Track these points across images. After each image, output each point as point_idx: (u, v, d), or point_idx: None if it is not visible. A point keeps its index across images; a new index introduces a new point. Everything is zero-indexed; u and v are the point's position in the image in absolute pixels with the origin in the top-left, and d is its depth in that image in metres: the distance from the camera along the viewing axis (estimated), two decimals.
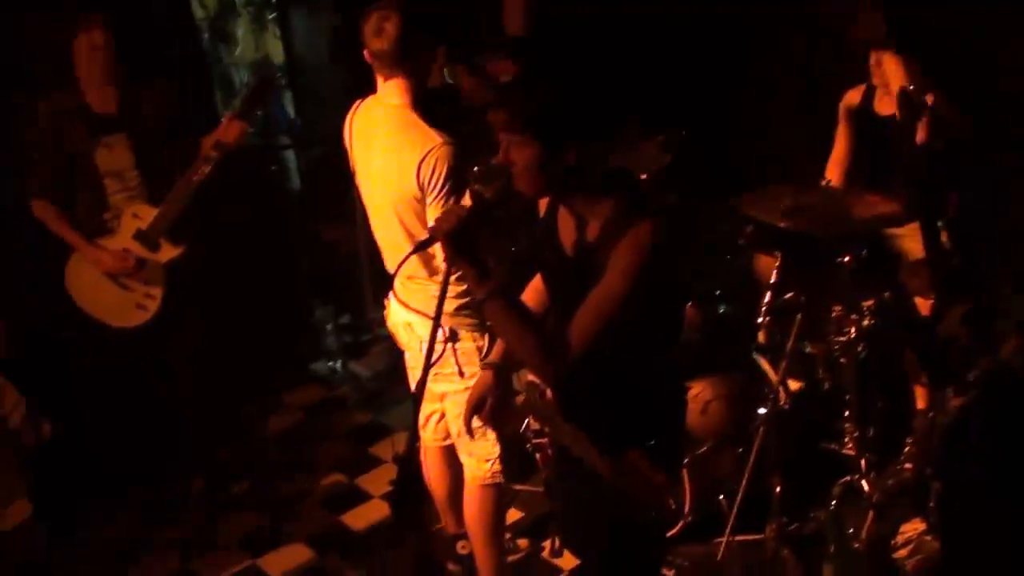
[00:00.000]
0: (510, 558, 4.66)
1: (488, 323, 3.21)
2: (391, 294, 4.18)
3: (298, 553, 5.08)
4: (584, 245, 2.96)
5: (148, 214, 4.77)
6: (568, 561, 4.72)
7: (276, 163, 7.05)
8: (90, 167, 4.72)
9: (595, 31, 5.94)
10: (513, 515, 4.98)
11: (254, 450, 5.59)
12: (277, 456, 5.83)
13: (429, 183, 3.68)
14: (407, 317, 4.10)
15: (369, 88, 3.90)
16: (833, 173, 5.06)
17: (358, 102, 4.01)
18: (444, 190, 3.68)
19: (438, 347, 3.91)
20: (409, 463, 2.98)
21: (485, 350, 4.00)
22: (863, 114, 5.03)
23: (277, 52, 7.11)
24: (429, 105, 3.83)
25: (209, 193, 4.77)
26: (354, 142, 4.02)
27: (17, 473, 3.67)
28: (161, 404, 5.26)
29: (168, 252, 4.82)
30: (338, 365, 6.73)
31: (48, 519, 3.82)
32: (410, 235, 3.88)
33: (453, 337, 3.97)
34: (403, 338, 4.21)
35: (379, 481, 5.54)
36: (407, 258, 3.18)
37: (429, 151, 3.67)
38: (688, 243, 3.08)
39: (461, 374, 4.03)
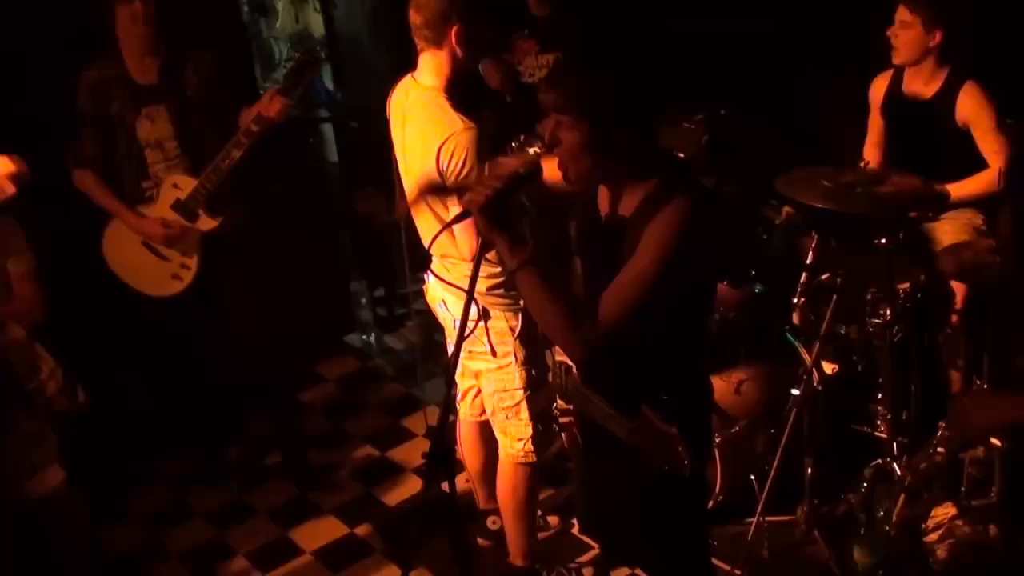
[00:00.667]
0: (540, 535, 4.68)
1: (520, 294, 3.21)
2: (429, 271, 4.19)
3: (330, 526, 5.11)
4: (619, 218, 2.97)
5: (188, 184, 4.77)
6: None
7: (314, 136, 7.08)
8: (131, 136, 4.74)
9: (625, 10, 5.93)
10: (544, 492, 5.00)
11: (287, 421, 5.60)
12: (311, 428, 5.87)
13: (449, 167, 3.68)
14: (442, 294, 4.13)
15: (409, 63, 3.90)
16: (871, 156, 5.05)
17: (401, 79, 3.99)
18: (464, 175, 3.67)
19: (470, 324, 3.95)
20: (441, 436, 3.02)
21: (518, 330, 4.03)
22: (893, 98, 5.00)
23: (317, 25, 7.13)
24: (459, 86, 3.82)
25: (248, 165, 4.76)
26: (392, 119, 4.02)
27: (49, 440, 3.70)
28: (197, 373, 5.31)
29: (206, 223, 4.83)
30: (372, 338, 6.77)
31: (83, 486, 3.85)
32: (435, 215, 3.90)
33: (485, 316, 3.99)
34: (440, 315, 4.24)
35: (412, 454, 5.57)
36: (438, 235, 3.21)
37: (450, 135, 3.66)
38: (724, 223, 3.06)
39: (494, 353, 4.05)
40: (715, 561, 4.22)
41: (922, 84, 4.84)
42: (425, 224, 4.02)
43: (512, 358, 4.06)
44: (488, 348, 4.04)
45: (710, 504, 4.45)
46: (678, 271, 2.79)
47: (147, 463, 5.54)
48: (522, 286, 2.92)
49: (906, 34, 4.72)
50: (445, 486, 3.01)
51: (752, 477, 4.51)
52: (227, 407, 5.52)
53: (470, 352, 4.08)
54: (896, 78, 4.98)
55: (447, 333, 4.33)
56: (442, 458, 2.97)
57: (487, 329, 4.01)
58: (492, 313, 4.00)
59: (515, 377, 4.09)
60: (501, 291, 3.96)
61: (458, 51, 3.73)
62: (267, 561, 4.92)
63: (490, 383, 4.14)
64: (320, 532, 5.07)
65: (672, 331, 2.99)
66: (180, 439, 5.56)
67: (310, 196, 6.46)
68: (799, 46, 5.95)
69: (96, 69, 4.71)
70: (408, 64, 3.91)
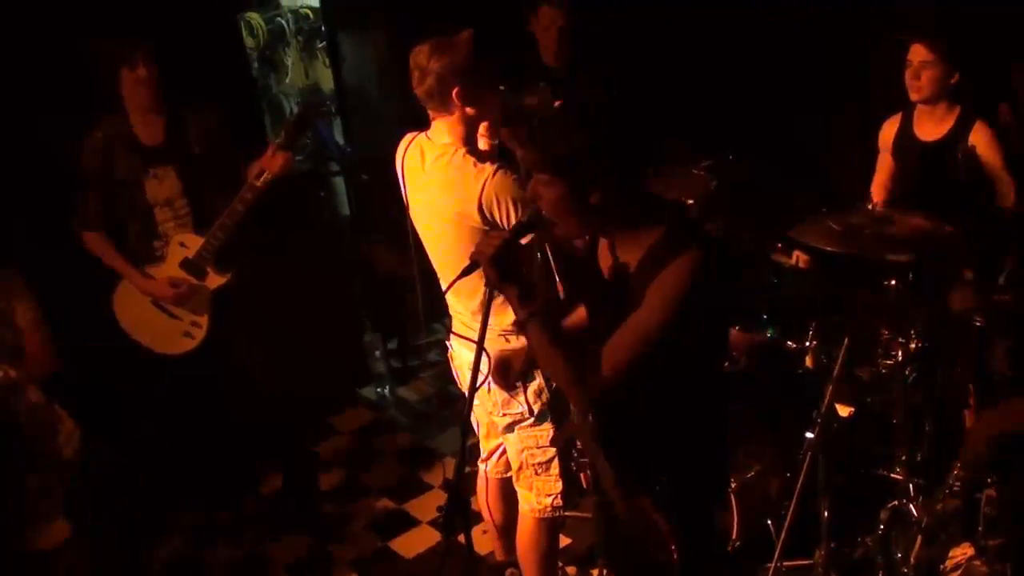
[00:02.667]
0: None
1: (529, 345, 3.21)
2: (451, 336, 4.16)
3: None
4: (622, 271, 2.97)
5: (194, 243, 4.81)
6: None
7: (326, 189, 7.11)
8: (139, 196, 4.76)
9: (637, 60, 5.97)
10: (562, 541, 4.98)
11: (301, 473, 5.60)
12: (325, 480, 5.85)
13: (498, 215, 3.64)
14: (470, 357, 4.09)
15: (420, 115, 3.91)
16: (878, 196, 5.06)
17: (410, 135, 3.98)
18: (517, 215, 3.60)
19: (481, 375, 3.93)
20: (458, 488, 3.02)
21: (554, 387, 3.99)
22: (904, 140, 5.01)
23: (326, 79, 7.17)
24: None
25: (257, 220, 4.80)
26: (406, 177, 4.00)
27: (57, 493, 3.71)
28: (212, 427, 5.30)
29: (215, 280, 4.86)
30: (387, 390, 6.76)
31: (93, 537, 3.86)
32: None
33: (524, 377, 3.95)
34: (467, 379, 4.20)
35: (427, 506, 5.55)
36: (452, 284, 3.23)
37: (485, 184, 3.63)
38: (733, 275, 3.06)
39: (531, 412, 4.02)
40: None
41: (933, 125, 4.87)
42: (453, 271, 3.99)
43: (548, 415, 4.04)
44: (526, 407, 4.01)
45: (728, 549, 4.43)
46: (684, 328, 2.79)
47: (161, 514, 5.52)
48: (531, 337, 2.93)
49: (929, 72, 4.75)
50: (461, 538, 3.02)
51: (769, 522, 4.50)
52: (242, 459, 5.50)
53: (504, 413, 4.06)
54: (906, 120, 5.01)
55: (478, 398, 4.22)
56: (459, 510, 2.99)
57: (524, 389, 3.98)
58: (532, 372, 3.96)
59: (548, 433, 4.07)
60: None
61: (467, 110, 3.72)
62: None
63: (521, 440, 4.11)
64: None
65: (680, 385, 2.98)
66: (195, 491, 5.55)
67: (322, 249, 6.48)
68: (800, 90, 6.00)
69: (101, 130, 4.72)
70: (416, 115, 3.92)
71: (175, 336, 4.93)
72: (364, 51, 6.89)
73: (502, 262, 2.86)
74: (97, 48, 4.55)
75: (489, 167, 3.67)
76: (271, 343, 5.11)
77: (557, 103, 5.32)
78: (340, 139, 7.20)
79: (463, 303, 4.00)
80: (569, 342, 2.92)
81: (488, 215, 3.66)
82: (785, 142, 6.00)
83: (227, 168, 4.86)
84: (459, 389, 4.46)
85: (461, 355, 4.18)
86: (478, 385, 3.06)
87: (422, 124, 3.90)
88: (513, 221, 3.59)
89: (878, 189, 5.14)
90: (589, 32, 5.88)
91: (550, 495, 4.17)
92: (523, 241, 3.05)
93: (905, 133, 5.01)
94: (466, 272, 3.04)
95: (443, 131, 3.80)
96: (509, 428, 4.13)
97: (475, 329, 3.96)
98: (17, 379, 3.62)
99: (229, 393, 5.14)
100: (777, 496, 4.55)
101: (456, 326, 4.10)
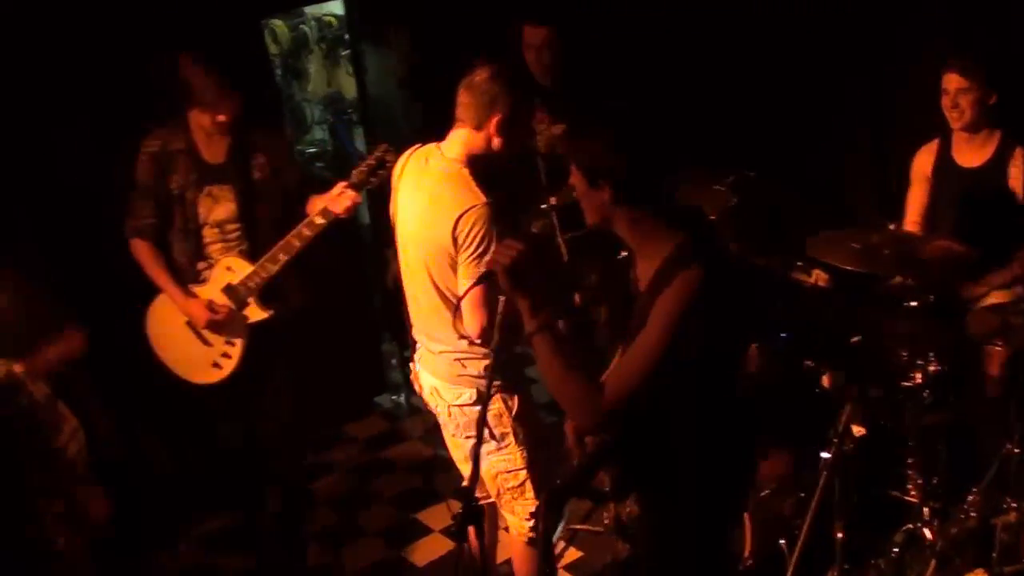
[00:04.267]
0: None
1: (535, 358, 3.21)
2: (414, 360, 4.20)
3: None
4: (638, 287, 2.99)
5: (242, 269, 4.58)
6: None
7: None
8: (190, 214, 4.56)
9: (633, 74, 5.98)
10: (574, 555, 5.00)
11: (316, 481, 5.61)
12: (337, 487, 5.87)
13: (464, 241, 3.68)
14: (432, 382, 4.10)
15: (441, 125, 3.92)
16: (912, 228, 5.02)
17: (416, 147, 4.01)
18: (478, 249, 3.67)
19: (468, 412, 3.99)
20: (472, 496, 3.03)
21: (515, 410, 4.00)
22: (943, 168, 4.97)
23: (349, 87, 7.19)
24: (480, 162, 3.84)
25: (306, 258, 4.61)
26: (400, 184, 4.02)
27: (58, 493, 3.72)
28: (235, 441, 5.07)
29: (256, 313, 4.65)
30: (402, 399, 6.77)
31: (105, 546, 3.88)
32: (436, 288, 3.89)
33: (477, 401, 3.96)
34: (432, 403, 4.19)
35: (440, 516, 5.54)
36: (467, 292, 3.24)
37: (469, 209, 3.67)
38: (742, 291, 3.05)
39: (492, 436, 4.01)
40: None
41: (973, 152, 4.84)
42: (420, 290, 4.00)
43: (512, 439, 4.02)
44: (487, 432, 3.96)
45: (739, 568, 4.41)
46: (686, 349, 2.79)
47: (172, 524, 5.50)
48: (537, 350, 2.95)
49: (967, 98, 4.71)
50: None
51: (782, 542, 4.47)
52: (260, 469, 5.28)
53: (467, 436, 4.06)
54: (943, 147, 4.96)
55: (441, 421, 4.23)
56: (472, 517, 2.99)
57: (487, 413, 3.94)
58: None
59: (516, 457, 4.05)
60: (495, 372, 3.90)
61: (495, 139, 3.76)
62: None
63: (492, 466, 4.08)
64: None
65: (691, 405, 2.98)
66: (209, 501, 5.55)
67: (341, 257, 6.48)
68: (820, 109, 6.00)
69: (160, 139, 4.54)
70: (437, 125, 3.94)
71: (203, 364, 4.70)
72: (387, 59, 6.89)
73: (517, 272, 2.88)
74: (176, 67, 4.41)
75: (481, 196, 3.70)
76: (297, 366, 4.97)
77: (558, 128, 5.39)
78: (361, 147, 7.22)
79: (424, 320, 4.04)
80: (576, 361, 2.92)
81: (456, 236, 3.69)
82: (805, 160, 6.00)
83: (286, 198, 4.69)
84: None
85: (426, 377, 4.17)
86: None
87: (441, 136, 3.92)
88: (479, 253, 3.66)
89: (912, 223, 5.07)
90: (578, 45, 5.85)
91: (527, 518, 4.15)
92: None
93: (944, 160, 4.96)
94: (481, 281, 3.11)
95: (458, 143, 3.82)
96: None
97: (431, 358, 4.04)
98: (20, 375, 3.61)
99: (247, 415, 4.93)
100: (791, 515, 4.53)
101: (419, 354, 4.15)
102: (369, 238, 7.05)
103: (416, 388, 4.29)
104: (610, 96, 5.32)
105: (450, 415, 4.06)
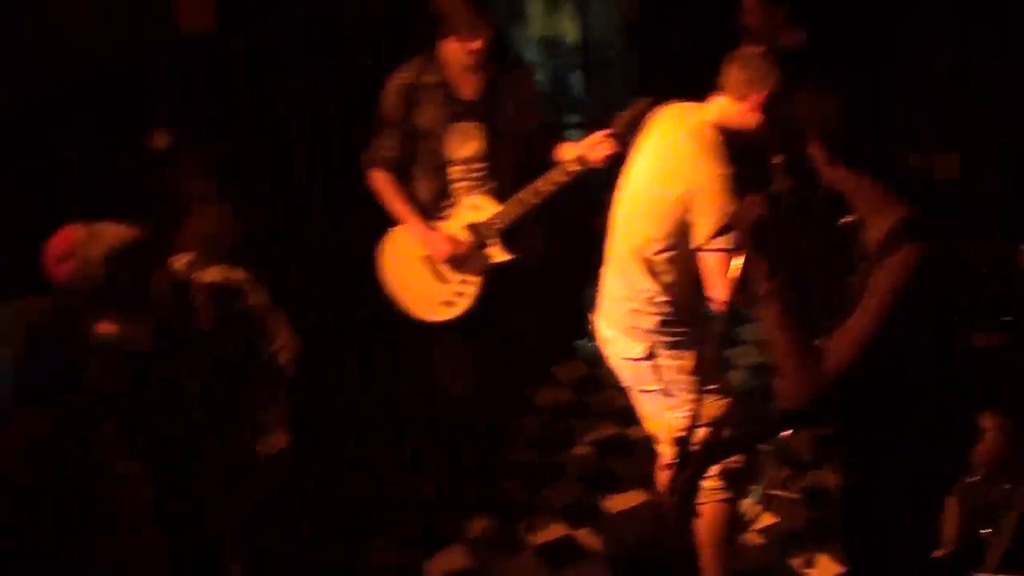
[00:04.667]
0: None
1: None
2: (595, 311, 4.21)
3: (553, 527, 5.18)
4: (866, 250, 2.94)
5: (489, 207, 4.59)
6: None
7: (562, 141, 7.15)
8: (438, 149, 4.56)
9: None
10: (770, 519, 5.00)
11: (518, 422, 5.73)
12: (541, 429, 5.95)
13: (695, 204, 3.74)
14: (606, 332, 4.14)
15: (663, 76, 3.91)
16: None
17: (673, 103, 4.04)
18: (710, 215, 3.67)
19: (639, 366, 4.01)
20: (687, 443, 3.04)
21: (690, 368, 3.97)
22: None
23: (571, 31, 7.19)
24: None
25: (551, 204, 4.60)
26: (647, 135, 4.05)
27: (281, 402, 3.83)
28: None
29: (497, 254, 4.63)
30: None
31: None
32: (633, 237, 3.94)
33: (650, 356, 3.97)
34: (604, 351, 4.23)
35: (634, 465, 5.51)
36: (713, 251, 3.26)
37: (711, 173, 3.73)
38: (965, 270, 2.96)
39: (666, 393, 4.00)
40: None
41: None
42: (620, 236, 4.05)
43: (685, 395, 3.98)
44: (659, 388, 4.00)
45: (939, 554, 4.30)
46: (904, 325, 2.76)
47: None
48: (767, 314, 2.92)
49: None
50: None
51: (987, 531, 4.33)
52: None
53: (641, 391, 4.08)
54: None
55: (616, 371, 4.23)
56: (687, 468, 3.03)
57: (655, 368, 3.98)
58: (660, 352, 3.97)
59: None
60: (670, 327, 3.94)
61: (753, 114, 3.78)
62: None
63: (670, 423, 4.00)
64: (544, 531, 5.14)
65: (908, 381, 2.95)
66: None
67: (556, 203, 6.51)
68: None
69: (411, 73, 4.54)
70: (660, 75, 3.92)
71: (435, 302, 4.71)
72: (612, 5, 6.86)
73: (760, 230, 2.86)
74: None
75: (724, 166, 3.73)
76: (532, 314, 5.06)
77: None
78: (581, 91, 7.23)
79: (619, 281, 4.03)
80: (802, 330, 2.90)
81: (685, 201, 3.75)
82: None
83: (528, 140, 4.65)
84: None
85: (604, 331, 4.17)
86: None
87: (664, 85, 3.92)
88: (704, 225, 3.67)
89: None
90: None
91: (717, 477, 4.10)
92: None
93: None
94: (720, 233, 3.05)
95: (717, 109, 3.85)
96: (649, 416, 4.15)
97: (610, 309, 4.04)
98: (242, 281, 3.70)
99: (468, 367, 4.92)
100: (1002, 505, 4.38)
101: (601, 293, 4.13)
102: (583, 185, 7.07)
103: (592, 334, 4.31)
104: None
105: (623, 367, 4.09)
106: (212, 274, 3.62)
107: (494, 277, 4.67)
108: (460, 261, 4.62)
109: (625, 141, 4.24)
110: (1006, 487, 4.34)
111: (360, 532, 5.05)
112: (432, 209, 4.65)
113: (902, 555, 3.20)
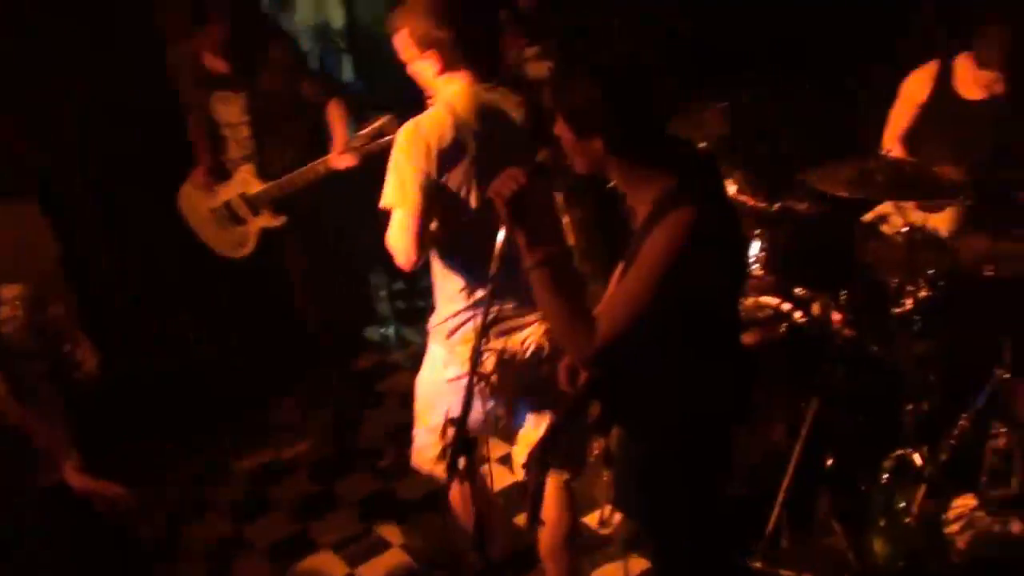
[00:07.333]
0: None
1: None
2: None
3: (347, 520, 5.13)
4: (635, 223, 2.94)
5: (255, 186, 5.21)
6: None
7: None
8: (207, 117, 5.19)
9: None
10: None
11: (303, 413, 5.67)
12: (328, 420, 5.85)
13: None
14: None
15: None
16: (894, 147, 4.97)
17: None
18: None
19: None
20: (464, 426, 3.00)
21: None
22: (941, 96, 4.93)
23: (337, 17, 7.11)
24: None
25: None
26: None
27: (66, 422, 3.74)
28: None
29: (267, 219, 5.27)
30: (391, 331, 6.75)
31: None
32: None
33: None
34: None
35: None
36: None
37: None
38: (733, 232, 3.00)
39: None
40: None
41: (978, 85, 4.80)
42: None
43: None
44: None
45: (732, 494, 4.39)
46: (677, 289, 2.75)
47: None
48: (535, 286, 2.90)
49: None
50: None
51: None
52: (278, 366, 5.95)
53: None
54: (944, 74, 4.93)
55: None
56: (465, 448, 2.97)
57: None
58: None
59: None
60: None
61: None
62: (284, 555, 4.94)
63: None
64: (337, 525, 5.09)
65: (677, 346, 2.94)
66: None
67: (328, 188, 6.43)
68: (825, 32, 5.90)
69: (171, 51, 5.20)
70: None
71: (230, 243, 5.35)
72: None
73: (517, 203, 2.82)
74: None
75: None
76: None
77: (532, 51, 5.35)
78: (349, 77, 7.15)
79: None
80: (573, 297, 2.88)
81: None
82: (802, 84, 5.89)
83: (294, 105, 5.17)
84: None
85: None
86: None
87: None
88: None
89: (893, 143, 5.03)
90: None
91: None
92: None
93: (943, 87, 4.92)
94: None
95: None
96: None
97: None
98: (36, 292, 3.74)
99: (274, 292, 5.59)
100: (780, 444, 4.50)
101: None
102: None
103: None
104: (590, 16, 5.27)
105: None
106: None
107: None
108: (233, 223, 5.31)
109: (363, 154, 4.82)
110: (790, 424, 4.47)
111: None
112: (217, 170, 5.30)
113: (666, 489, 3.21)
